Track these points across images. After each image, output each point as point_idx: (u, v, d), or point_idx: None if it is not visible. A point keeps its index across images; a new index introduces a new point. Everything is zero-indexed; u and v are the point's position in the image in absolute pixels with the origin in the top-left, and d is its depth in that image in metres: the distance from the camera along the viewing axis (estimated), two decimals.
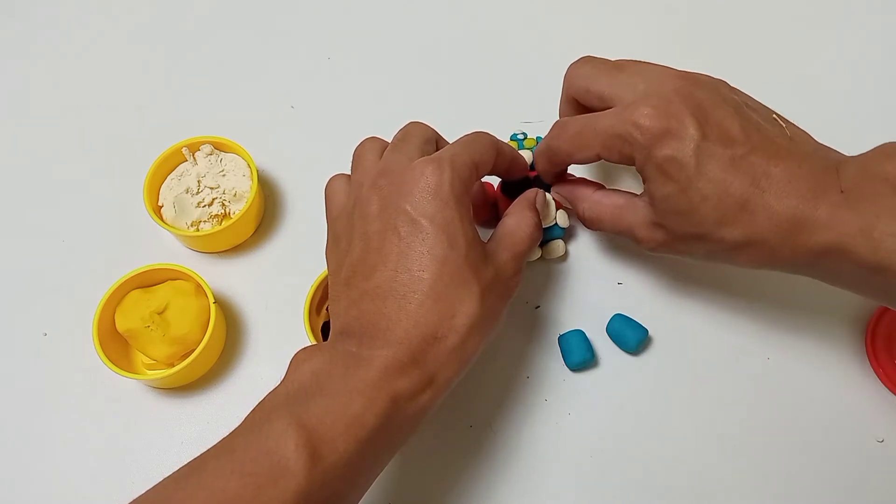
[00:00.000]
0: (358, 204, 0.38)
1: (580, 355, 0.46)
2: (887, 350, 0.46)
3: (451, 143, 0.41)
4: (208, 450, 0.33)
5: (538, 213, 0.43)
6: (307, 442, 0.31)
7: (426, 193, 0.36)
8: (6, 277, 0.51)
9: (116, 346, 0.46)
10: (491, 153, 0.40)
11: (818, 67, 0.57)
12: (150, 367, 0.46)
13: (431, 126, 0.42)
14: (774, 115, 0.40)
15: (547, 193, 0.46)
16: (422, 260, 0.36)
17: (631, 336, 0.46)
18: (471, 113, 0.55)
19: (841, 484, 0.44)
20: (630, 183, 0.52)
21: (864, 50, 0.58)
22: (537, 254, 0.48)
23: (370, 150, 0.41)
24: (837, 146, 0.39)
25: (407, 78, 0.57)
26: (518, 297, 0.48)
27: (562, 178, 0.47)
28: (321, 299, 0.47)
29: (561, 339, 0.47)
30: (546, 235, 0.48)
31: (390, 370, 0.34)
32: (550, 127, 0.43)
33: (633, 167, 0.39)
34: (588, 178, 0.48)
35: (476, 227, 0.38)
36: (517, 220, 0.41)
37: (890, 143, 0.36)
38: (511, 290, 0.39)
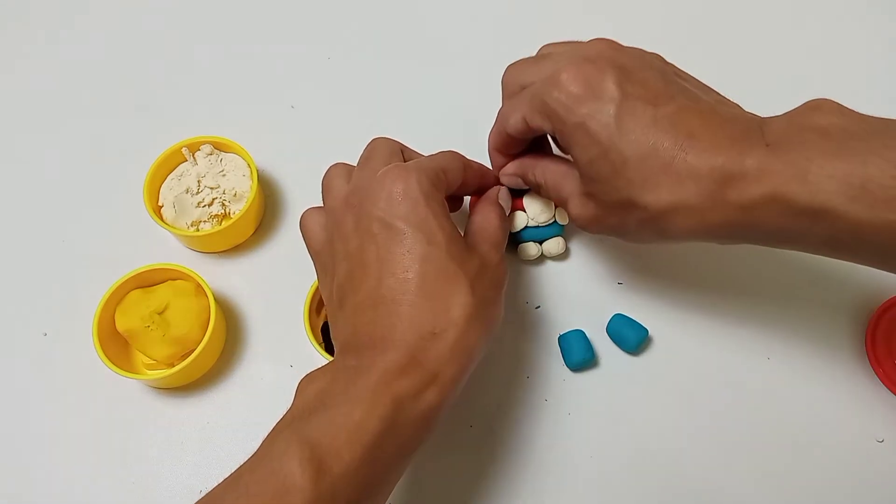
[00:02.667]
0: (335, 228, 0.39)
1: (580, 355, 0.46)
2: (887, 350, 0.46)
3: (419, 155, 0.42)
4: (219, 484, 0.32)
5: (500, 206, 0.43)
6: (311, 456, 0.31)
7: (395, 197, 0.36)
8: (6, 277, 0.51)
9: (116, 346, 0.46)
10: (456, 164, 0.41)
11: (802, 67, 0.57)
12: (150, 367, 0.46)
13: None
14: (702, 84, 0.39)
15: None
16: (403, 261, 0.35)
17: (631, 336, 0.46)
18: (471, 113, 0.55)
19: (841, 484, 0.44)
20: None
21: (858, 47, 0.58)
22: (538, 252, 0.48)
23: (337, 176, 0.41)
24: None
25: (407, 78, 0.57)
26: (518, 297, 0.49)
27: (506, 161, 0.46)
28: (321, 299, 0.47)
29: (561, 339, 0.47)
30: (546, 233, 0.48)
31: (390, 373, 0.33)
32: None
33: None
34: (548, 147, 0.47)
35: (454, 222, 0.38)
36: (482, 216, 0.42)
37: (816, 98, 0.35)
38: (500, 279, 0.39)
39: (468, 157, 0.43)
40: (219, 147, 0.51)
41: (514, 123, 0.41)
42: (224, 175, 0.50)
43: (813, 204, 0.32)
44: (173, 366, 0.45)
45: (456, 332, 0.35)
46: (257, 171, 0.49)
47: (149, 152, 0.50)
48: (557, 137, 0.39)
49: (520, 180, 0.45)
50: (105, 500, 0.44)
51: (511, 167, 0.45)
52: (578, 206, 0.40)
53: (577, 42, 0.41)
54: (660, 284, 0.49)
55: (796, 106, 0.35)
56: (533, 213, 0.47)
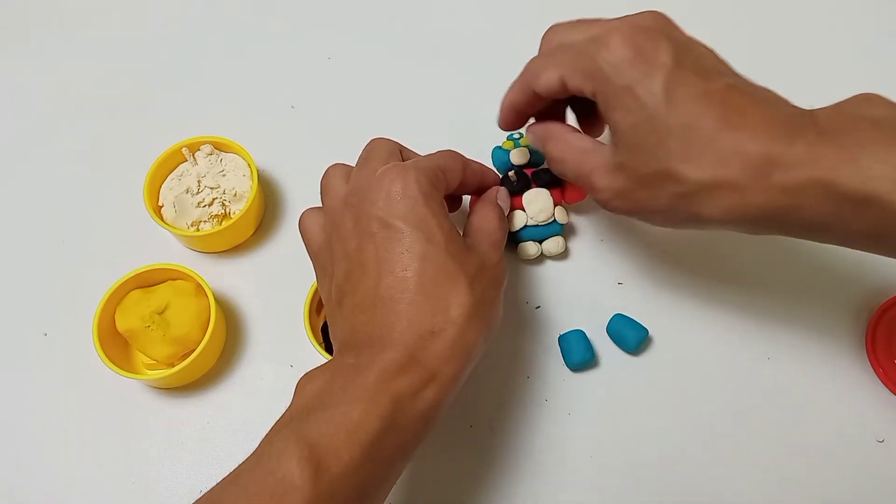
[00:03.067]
0: (334, 228, 0.38)
1: (580, 355, 0.46)
2: (887, 350, 0.46)
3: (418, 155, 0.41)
4: (217, 483, 0.32)
5: (499, 206, 0.43)
6: (310, 455, 0.31)
7: (394, 196, 0.36)
8: (6, 277, 0.51)
9: (116, 346, 0.46)
10: (456, 163, 0.41)
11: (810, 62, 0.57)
12: (150, 367, 0.46)
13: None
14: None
15: (543, 190, 0.47)
16: (402, 260, 0.35)
17: (631, 336, 0.46)
18: (471, 112, 0.55)
19: (841, 484, 0.44)
20: None
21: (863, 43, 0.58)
22: (537, 251, 0.48)
23: (335, 176, 0.40)
24: None
25: (407, 77, 0.57)
26: (518, 297, 0.49)
27: (522, 121, 0.44)
28: (321, 299, 0.47)
29: (561, 339, 0.47)
30: (545, 232, 0.48)
31: (388, 372, 0.33)
32: None
33: (595, 127, 0.38)
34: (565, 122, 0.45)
35: (453, 222, 0.38)
36: (481, 216, 0.41)
37: (866, 92, 0.35)
38: (499, 278, 0.39)
39: (468, 157, 0.43)
40: (219, 147, 0.51)
41: (547, 81, 0.38)
42: (224, 175, 0.50)
43: (862, 190, 0.31)
44: (173, 366, 0.45)
45: (455, 330, 0.35)
46: (257, 171, 0.49)
47: (149, 152, 0.50)
48: (598, 99, 0.37)
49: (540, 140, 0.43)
50: (105, 500, 0.44)
51: (535, 132, 0.43)
52: (606, 178, 0.38)
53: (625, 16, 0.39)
54: (660, 284, 0.49)
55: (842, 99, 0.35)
56: (532, 212, 0.47)
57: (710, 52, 0.37)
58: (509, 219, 0.47)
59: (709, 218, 0.35)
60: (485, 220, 0.41)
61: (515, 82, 0.42)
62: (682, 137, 0.34)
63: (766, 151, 0.33)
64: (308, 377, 0.35)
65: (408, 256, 0.35)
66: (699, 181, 0.34)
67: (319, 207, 0.42)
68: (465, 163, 0.42)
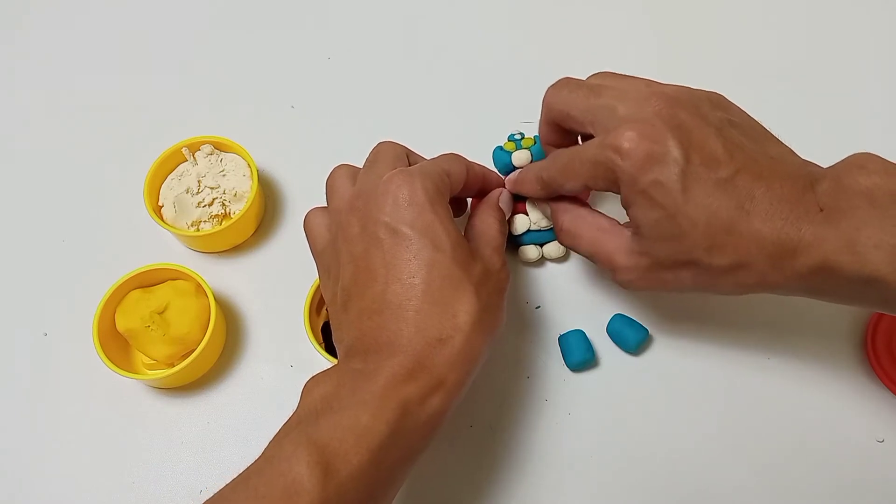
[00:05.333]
0: (340, 230, 0.39)
1: (580, 355, 0.46)
2: (887, 350, 0.46)
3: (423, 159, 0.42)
4: (226, 484, 0.33)
5: (500, 210, 0.43)
6: (319, 459, 0.31)
7: (401, 202, 0.37)
8: (6, 277, 0.51)
9: (116, 346, 0.46)
10: (459, 166, 0.41)
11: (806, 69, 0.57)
12: (150, 367, 0.47)
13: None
14: (757, 127, 0.39)
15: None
16: (410, 267, 0.36)
17: (631, 336, 0.46)
18: (471, 112, 0.55)
19: (841, 484, 0.44)
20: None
21: (856, 49, 0.58)
22: (538, 254, 0.48)
23: (342, 177, 0.41)
24: (830, 145, 0.39)
25: (407, 77, 0.57)
26: (518, 297, 0.49)
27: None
28: (321, 299, 0.47)
29: (561, 339, 0.47)
30: (547, 236, 0.48)
31: (397, 378, 0.34)
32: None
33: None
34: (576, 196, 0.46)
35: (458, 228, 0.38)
36: (482, 220, 0.42)
37: (861, 153, 0.36)
38: (503, 283, 0.39)
39: (470, 160, 0.43)
40: (219, 147, 0.51)
41: (574, 189, 0.41)
42: (224, 175, 0.50)
43: (862, 273, 0.33)
44: (173, 366, 0.45)
45: (462, 338, 0.35)
46: (257, 171, 0.49)
47: (149, 152, 0.50)
48: (621, 198, 0.38)
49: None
50: (105, 500, 0.44)
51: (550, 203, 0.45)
52: (628, 260, 0.39)
53: (628, 82, 0.40)
54: None
55: (842, 158, 0.36)
56: (535, 217, 0.47)
57: (713, 128, 0.37)
58: (512, 223, 0.47)
59: (731, 292, 0.38)
60: (486, 225, 0.41)
61: (535, 181, 0.43)
62: (704, 230, 0.36)
63: (778, 237, 0.35)
64: (315, 380, 0.35)
65: (415, 263, 0.36)
66: (721, 266, 0.36)
67: (325, 207, 0.42)
68: (468, 165, 0.42)
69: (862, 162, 0.35)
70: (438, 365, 0.35)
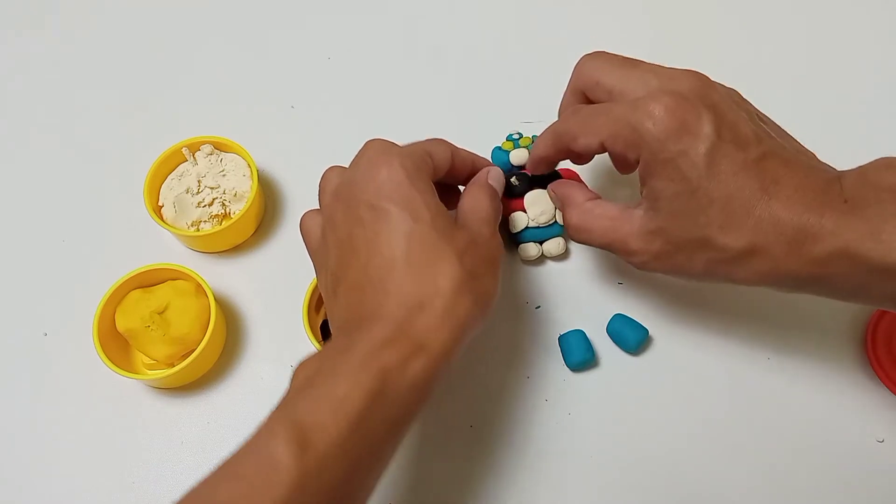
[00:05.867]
0: (327, 221, 0.39)
1: (580, 355, 0.46)
2: (887, 350, 0.46)
3: None
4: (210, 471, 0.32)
5: (489, 186, 0.42)
6: (296, 434, 0.30)
7: (381, 180, 0.36)
8: (6, 277, 0.51)
9: (116, 346, 0.46)
10: (442, 148, 0.41)
11: (816, 72, 0.57)
12: (150, 367, 0.47)
13: (442, 133, 0.42)
14: (778, 128, 0.40)
15: (544, 192, 0.47)
16: (390, 240, 0.35)
17: (631, 336, 0.46)
18: (471, 112, 0.55)
19: (841, 484, 0.44)
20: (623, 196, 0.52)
21: (860, 54, 0.58)
22: (538, 252, 0.48)
23: (330, 177, 0.41)
24: (837, 148, 0.39)
25: (406, 77, 0.57)
26: (518, 297, 0.49)
27: (551, 168, 0.46)
28: (320, 298, 0.47)
29: (561, 339, 0.47)
30: (546, 233, 0.48)
31: (375, 346, 0.33)
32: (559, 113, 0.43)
33: (630, 170, 0.39)
34: (583, 184, 0.47)
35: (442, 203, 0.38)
36: (471, 197, 0.41)
37: (887, 157, 0.36)
38: (493, 253, 0.39)
39: (457, 146, 0.42)
40: (219, 147, 0.51)
41: (587, 145, 0.40)
42: (224, 175, 0.50)
43: (886, 261, 0.33)
44: (173, 366, 0.45)
45: (443, 301, 0.35)
46: (257, 171, 0.49)
47: (149, 152, 0.50)
48: (640, 166, 0.38)
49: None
50: (105, 500, 0.44)
51: (556, 192, 0.45)
52: (642, 242, 0.39)
53: (664, 66, 0.40)
54: (660, 284, 0.49)
55: (868, 162, 0.36)
56: (534, 213, 0.47)
57: (745, 112, 0.38)
58: (511, 220, 0.47)
59: (742, 281, 0.37)
60: (475, 201, 0.41)
61: (549, 134, 0.42)
62: (723, 207, 0.36)
63: (798, 222, 0.34)
64: (302, 364, 0.35)
65: (395, 236, 0.35)
66: (736, 249, 0.36)
67: (318, 209, 0.42)
68: (454, 150, 0.42)
69: (889, 163, 0.35)
70: (419, 329, 0.34)
